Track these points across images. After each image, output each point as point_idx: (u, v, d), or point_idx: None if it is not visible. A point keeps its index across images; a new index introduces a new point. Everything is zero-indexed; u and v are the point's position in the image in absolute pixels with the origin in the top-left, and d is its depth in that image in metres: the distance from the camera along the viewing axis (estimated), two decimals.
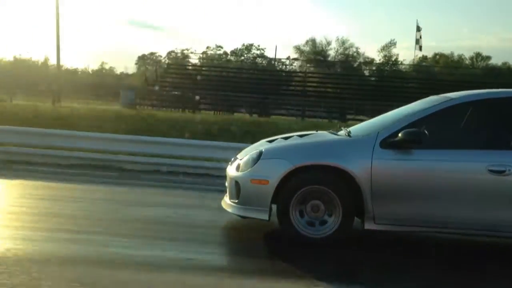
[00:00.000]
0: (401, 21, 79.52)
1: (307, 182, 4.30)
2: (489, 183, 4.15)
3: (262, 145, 4.81)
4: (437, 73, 42.87)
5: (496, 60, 56.28)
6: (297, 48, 54.95)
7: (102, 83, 57.70)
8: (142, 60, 77.23)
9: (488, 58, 55.85)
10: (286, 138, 4.88)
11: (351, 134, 4.62)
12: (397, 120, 4.48)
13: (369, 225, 4.29)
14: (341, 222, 4.26)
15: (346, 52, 52.86)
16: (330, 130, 5.07)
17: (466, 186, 4.21)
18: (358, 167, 4.22)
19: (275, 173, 4.32)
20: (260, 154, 4.48)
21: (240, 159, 4.70)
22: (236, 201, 4.52)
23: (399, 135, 4.23)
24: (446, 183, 4.22)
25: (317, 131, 5.15)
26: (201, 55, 66.20)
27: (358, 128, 4.91)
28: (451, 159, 4.24)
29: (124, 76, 76.57)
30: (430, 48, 77.19)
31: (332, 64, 49.46)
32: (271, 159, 4.43)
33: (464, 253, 4.67)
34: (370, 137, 4.36)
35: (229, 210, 4.64)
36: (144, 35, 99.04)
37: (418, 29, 33.93)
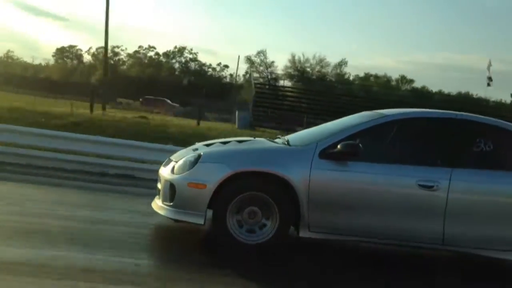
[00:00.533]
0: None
1: (246, 188, 4.27)
2: (419, 197, 4.33)
3: (199, 148, 4.69)
4: (375, 92, 45.57)
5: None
6: (248, 59, 55.61)
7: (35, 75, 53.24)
8: (61, 52, 74.19)
9: (412, 81, 60.41)
10: (224, 143, 4.82)
11: (290, 143, 4.63)
12: (335, 132, 4.56)
13: (303, 233, 4.32)
14: (277, 229, 4.26)
15: (324, 70, 54.40)
16: (268, 138, 5.06)
17: (397, 199, 4.36)
18: (297, 176, 4.24)
19: (213, 178, 4.24)
20: (198, 157, 4.37)
21: (176, 161, 4.56)
22: (171, 204, 4.38)
23: (338, 146, 4.30)
24: (378, 196, 4.34)
25: (254, 138, 5.12)
26: (132, 53, 64.37)
27: (296, 137, 4.94)
28: (384, 173, 4.37)
29: (41, 68, 72.71)
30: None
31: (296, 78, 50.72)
32: (210, 163, 4.35)
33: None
34: (309, 147, 4.40)
35: (161, 212, 4.49)
36: (44, 24, 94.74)
37: (489, 68, 36.17)
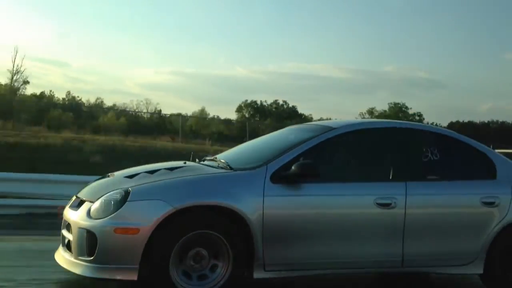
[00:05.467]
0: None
1: (191, 227, 3.44)
2: (378, 216, 3.91)
3: (121, 182, 3.72)
4: None
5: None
6: None
7: None
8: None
9: None
10: (151, 172, 3.88)
11: (232, 166, 3.89)
12: (282, 150, 3.94)
13: (258, 274, 3.62)
14: (231, 272, 3.52)
15: None
16: (202, 162, 4.27)
17: (357, 221, 3.90)
18: (250, 206, 3.55)
19: (148, 219, 3.34)
20: (125, 194, 3.42)
21: (91, 202, 3.55)
22: (91, 258, 3.35)
23: (292, 168, 3.69)
24: (338, 220, 3.85)
25: (185, 162, 4.27)
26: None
27: (235, 158, 4.20)
28: (341, 193, 3.88)
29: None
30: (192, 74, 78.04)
31: None
32: (142, 200, 3.43)
33: None
34: (258, 170, 3.72)
35: (76, 271, 3.45)
36: None
37: None
